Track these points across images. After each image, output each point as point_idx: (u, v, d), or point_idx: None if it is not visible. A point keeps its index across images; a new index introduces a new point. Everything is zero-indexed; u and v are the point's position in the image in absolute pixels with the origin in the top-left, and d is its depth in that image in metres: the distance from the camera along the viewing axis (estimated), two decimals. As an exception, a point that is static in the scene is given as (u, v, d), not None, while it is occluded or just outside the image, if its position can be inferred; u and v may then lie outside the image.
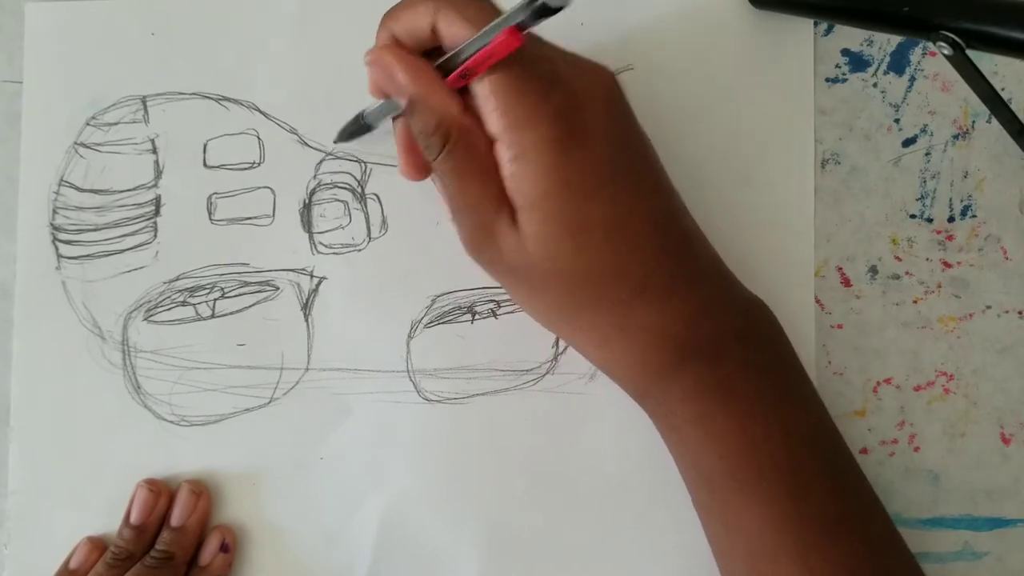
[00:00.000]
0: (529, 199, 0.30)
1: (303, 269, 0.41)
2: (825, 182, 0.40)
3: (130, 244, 0.41)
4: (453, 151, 0.31)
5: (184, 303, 0.41)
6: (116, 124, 0.42)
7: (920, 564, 0.34)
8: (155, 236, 0.41)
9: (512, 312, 0.40)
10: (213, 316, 0.41)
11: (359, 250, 0.41)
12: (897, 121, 0.40)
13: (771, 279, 0.39)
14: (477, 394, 0.40)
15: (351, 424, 0.40)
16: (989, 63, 0.40)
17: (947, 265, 0.40)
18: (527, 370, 0.40)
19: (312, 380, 0.40)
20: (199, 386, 0.41)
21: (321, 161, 0.41)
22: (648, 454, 0.39)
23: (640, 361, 0.33)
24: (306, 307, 0.41)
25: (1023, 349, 0.40)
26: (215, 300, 0.41)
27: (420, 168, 0.35)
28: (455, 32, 0.31)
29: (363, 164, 0.41)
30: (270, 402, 0.40)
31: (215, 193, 0.41)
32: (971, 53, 0.31)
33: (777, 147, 0.40)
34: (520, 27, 0.29)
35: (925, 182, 0.40)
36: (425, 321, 0.40)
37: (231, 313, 0.41)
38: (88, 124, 0.42)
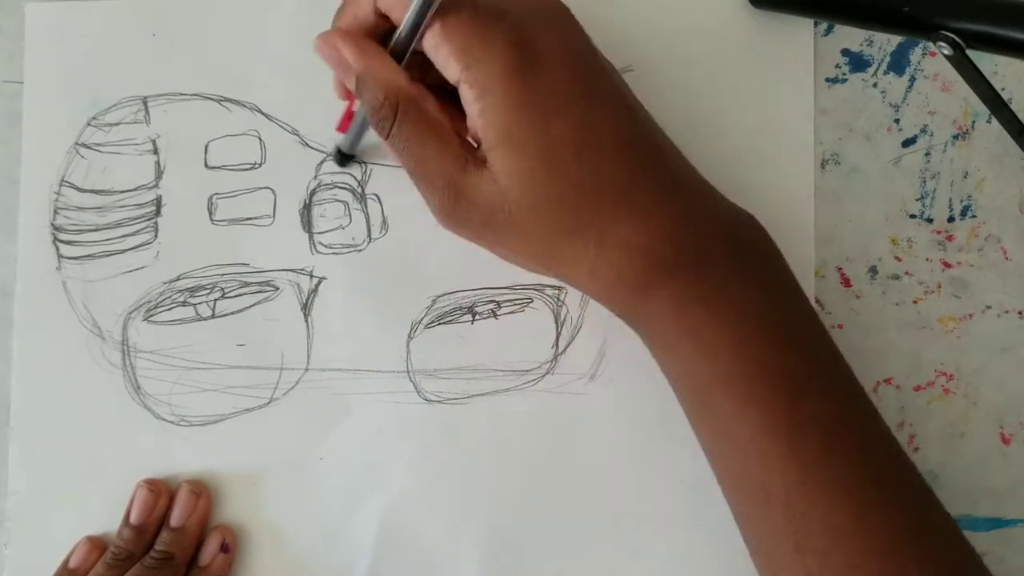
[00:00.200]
0: (498, 133, 0.30)
1: (303, 269, 0.41)
2: (825, 182, 0.40)
3: (131, 244, 0.41)
4: (404, 120, 0.31)
5: (184, 303, 0.41)
6: (117, 124, 0.42)
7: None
8: (156, 236, 0.41)
9: (512, 313, 0.40)
10: (213, 316, 0.41)
11: (359, 250, 0.41)
12: (897, 121, 0.40)
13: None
14: (477, 394, 0.40)
15: (351, 424, 0.40)
16: (989, 63, 0.40)
17: (947, 265, 0.40)
18: (527, 370, 0.40)
19: (312, 380, 0.40)
20: (199, 386, 0.41)
21: (322, 162, 0.41)
22: (648, 454, 0.39)
23: (629, 281, 0.32)
24: (306, 307, 0.41)
25: (1023, 349, 0.40)
26: (215, 300, 0.41)
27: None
28: (394, 3, 0.31)
29: (363, 165, 0.41)
30: (270, 402, 0.40)
31: (216, 193, 0.41)
32: (971, 53, 0.31)
33: (777, 147, 0.40)
34: None
35: (925, 182, 0.40)
36: (425, 321, 0.40)
37: (231, 313, 0.41)
38: (89, 124, 0.42)
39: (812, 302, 0.39)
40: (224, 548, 0.39)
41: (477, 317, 0.40)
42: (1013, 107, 0.33)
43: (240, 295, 0.41)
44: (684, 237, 0.32)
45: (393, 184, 0.41)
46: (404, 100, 0.32)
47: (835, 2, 0.36)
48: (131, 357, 0.41)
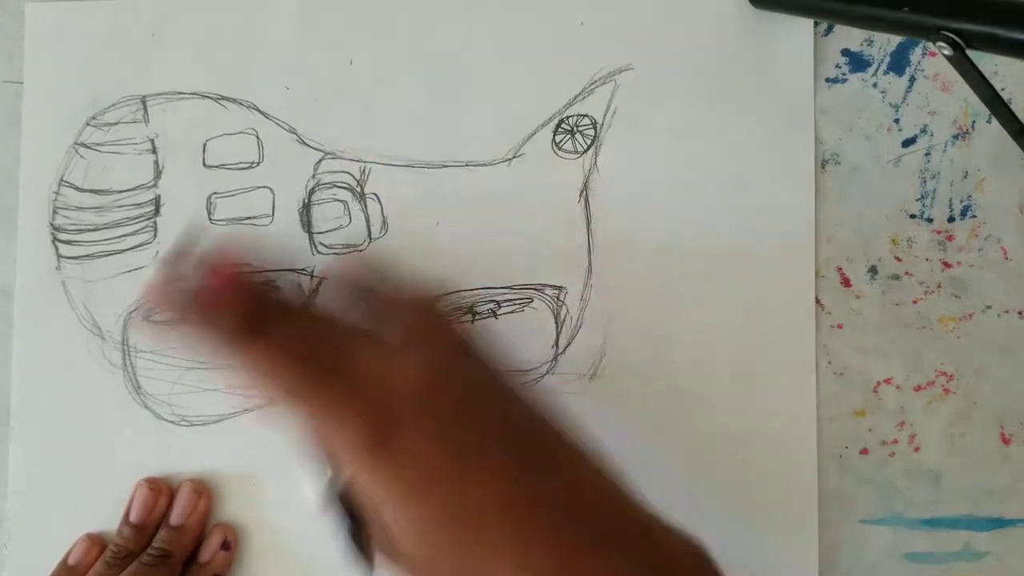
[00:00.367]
0: (370, 510, 0.28)
1: (303, 269, 0.41)
2: (825, 182, 0.40)
3: (130, 244, 0.41)
4: None
5: (184, 303, 0.41)
6: (116, 124, 0.42)
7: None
8: (155, 236, 0.41)
9: (512, 313, 0.40)
10: (213, 316, 0.41)
11: (360, 250, 0.41)
12: (897, 121, 0.40)
13: (771, 279, 0.39)
14: (477, 394, 0.40)
15: (351, 424, 0.40)
16: (989, 63, 0.40)
17: (947, 265, 0.40)
18: (527, 370, 0.40)
19: (312, 380, 0.40)
20: (199, 386, 0.41)
21: (320, 161, 0.41)
22: (648, 454, 0.39)
23: None
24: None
25: (1023, 349, 0.39)
26: (215, 300, 0.41)
27: None
28: None
29: (362, 164, 0.41)
30: (270, 402, 0.40)
31: (215, 193, 0.41)
32: (971, 53, 0.31)
33: (777, 147, 0.40)
34: None
35: (925, 182, 0.40)
36: (425, 321, 0.40)
37: (231, 313, 0.41)
38: (88, 124, 0.42)
39: (812, 301, 0.39)
40: (225, 546, 0.39)
41: (477, 317, 0.40)
42: (1013, 107, 0.33)
43: (240, 295, 0.41)
44: None
45: (393, 184, 0.41)
46: None
47: (835, 2, 0.36)
48: (131, 357, 0.41)
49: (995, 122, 0.39)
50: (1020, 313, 0.40)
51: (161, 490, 0.40)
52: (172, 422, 0.40)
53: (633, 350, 0.39)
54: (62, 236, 0.41)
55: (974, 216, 0.40)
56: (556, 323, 0.40)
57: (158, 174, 0.41)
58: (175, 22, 0.42)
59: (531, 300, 0.40)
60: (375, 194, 0.41)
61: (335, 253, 0.41)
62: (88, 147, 0.41)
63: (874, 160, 0.40)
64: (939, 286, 0.40)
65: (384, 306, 0.29)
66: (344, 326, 0.29)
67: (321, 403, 0.27)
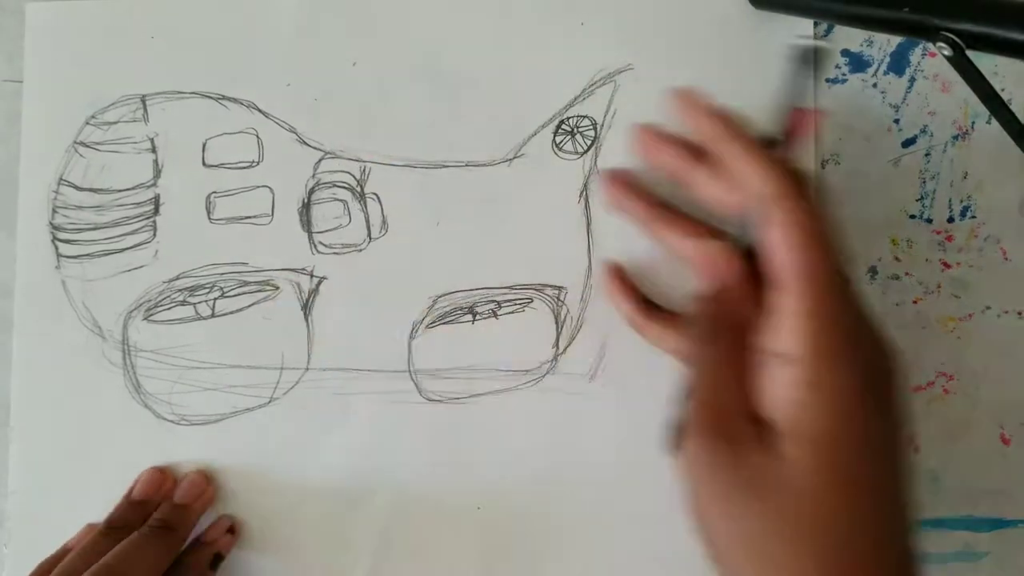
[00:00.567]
0: (810, 432, 0.29)
1: (303, 269, 0.41)
2: (825, 182, 0.40)
3: (129, 243, 0.41)
4: (724, 337, 0.31)
5: (184, 302, 0.41)
6: (115, 123, 0.41)
7: (920, 565, 0.33)
8: (154, 235, 0.41)
9: (512, 313, 0.40)
10: (213, 315, 0.41)
11: (359, 250, 0.41)
12: (897, 122, 0.40)
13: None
14: (478, 394, 0.40)
15: (351, 424, 0.40)
16: (989, 63, 0.40)
17: (947, 265, 0.40)
18: (528, 370, 0.40)
19: (312, 380, 0.40)
20: (199, 386, 0.41)
21: (320, 160, 0.41)
22: (648, 454, 0.39)
23: None
24: (307, 307, 0.41)
25: (1023, 349, 0.40)
26: (215, 299, 0.41)
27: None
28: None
29: (362, 163, 0.41)
30: (270, 402, 0.40)
31: (214, 192, 0.41)
32: (971, 54, 0.31)
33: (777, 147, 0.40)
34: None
35: (925, 183, 0.40)
36: (427, 322, 0.40)
37: (231, 313, 0.41)
38: (88, 123, 0.42)
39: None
40: (231, 531, 0.39)
41: (478, 317, 0.40)
42: (1013, 108, 0.33)
43: (239, 294, 0.41)
44: None
45: (393, 184, 0.41)
46: (736, 324, 0.31)
47: (835, 3, 0.36)
48: (132, 356, 0.41)
49: (995, 123, 0.39)
50: (1020, 313, 0.40)
51: (167, 475, 0.39)
52: (172, 421, 0.40)
53: (633, 350, 0.39)
54: (62, 235, 0.41)
55: (974, 217, 0.40)
56: (556, 323, 0.40)
57: (157, 173, 0.41)
58: (175, 22, 0.42)
59: (531, 300, 0.40)
60: (375, 194, 0.41)
61: (335, 253, 0.41)
62: (88, 146, 0.41)
63: (874, 160, 0.40)
64: (939, 286, 0.40)
65: None
66: None
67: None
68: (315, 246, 0.41)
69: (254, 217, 0.41)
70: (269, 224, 0.41)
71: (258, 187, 0.41)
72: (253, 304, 0.41)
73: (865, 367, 0.29)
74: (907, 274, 0.40)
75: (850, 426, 0.28)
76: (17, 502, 0.40)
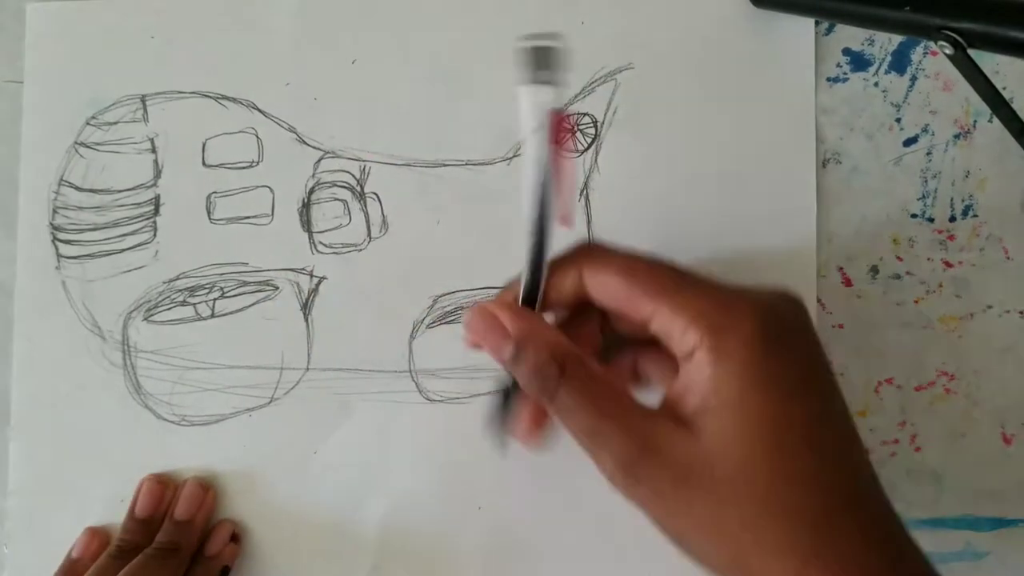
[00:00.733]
0: (727, 398, 0.29)
1: (303, 269, 0.41)
2: (826, 182, 0.40)
3: (130, 244, 0.41)
4: (572, 377, 0.30)
5: (184, 303, 0.41)
6: (116, 123, 0.41)
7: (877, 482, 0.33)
8: (154, 235, 0.41)
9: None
10: (213, 316, 0.41)
11: (359, 250, 0.41)
12: (898, 120, 0.40)
13: (773, 279, 0.39)
14: (479, 394, 0.40)
15: (352, 424, 0.40)
16: (990, 62, 0.40)
17: (948, 265, 0.40)
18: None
19: (312, 380, 0.40)
20: (199, 386, 0.41)
21: (320, 160, 0.41)
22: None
23: None
24: (306, 307, 0.41)
25: (1024, 349, 0.39)
26: (215, 300, 0.41)
27: (540, 424, 0.34)
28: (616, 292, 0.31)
29: (362, 163, 0.41)
30: (270, 402, 0.40)
31: (214, 192, 0.41)
32: (972, 52, 0.31)
33: (778, 147, 0.40)
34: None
35: (926, 182, 0.40)
36: (427, 322, 0.40)
37: (231, 313, 0.41)
38: (88, 123, 0.42)
39: (814, 301, 0.39)
40: (234, 539, 0.39)
41: (477, 317, 0.40)
42: (1015, 106, 0.33)
43: (239, 294, 0.41)
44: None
45: (393, 183, 0.41)
46: (571, 358, 0.30)
47: (836, 1, 0.36)
48: (132, 357, 0.41)
49: (996, 121, 0.39)
50: (1021, 313, 0.40)
51: (167, 485, 0.40)
52: (172, 422, 0.40)
53: (634, 350, 0.39)
54: (62, 236, 0.41)
55: (975, 216, 0.40)
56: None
57: (158, 173, 0.41)
58: (175, 22, 0.42)
59: (531, 300, 0.40)
60: (375, 193, 0.41)
61: (335, 252, 0.41)
62: (88, 146, 0.41)
63: (875, 159, 0.40)
64: (940, 286, 0.40)
65: None
66: None
67: (715, 294, 0.30)
68: (315, 246, 0.41)
69: (254, 217, 0.41)
70: (269, 224, 0.41)
71: (258, 187, 0.41)
72: (253, 304, 0.41)
73: (759, 312, 0.29)
74: (908, 273, 0.40)
75: (755, 373, 0.29)
76: (17, 502, 0.40)
